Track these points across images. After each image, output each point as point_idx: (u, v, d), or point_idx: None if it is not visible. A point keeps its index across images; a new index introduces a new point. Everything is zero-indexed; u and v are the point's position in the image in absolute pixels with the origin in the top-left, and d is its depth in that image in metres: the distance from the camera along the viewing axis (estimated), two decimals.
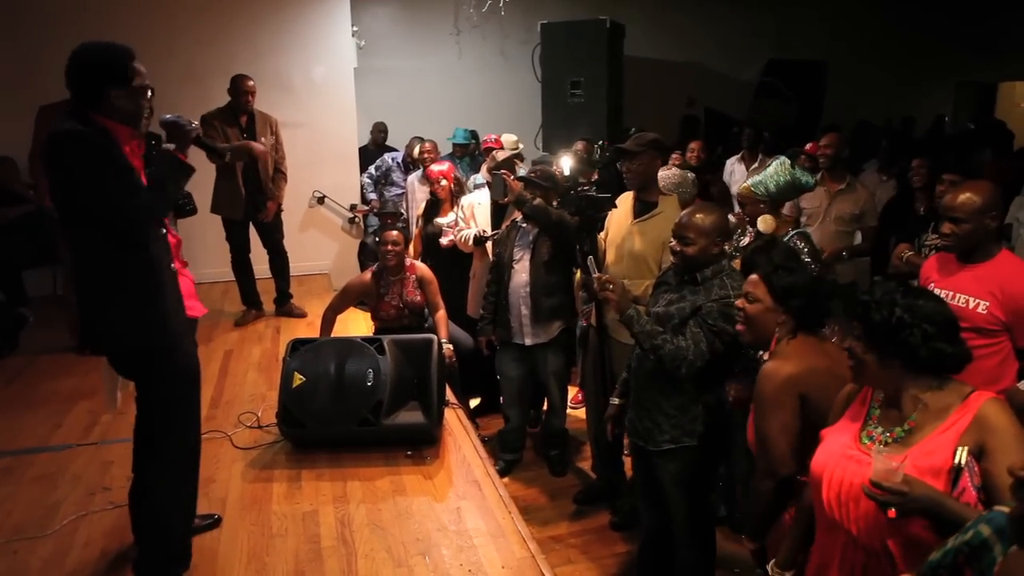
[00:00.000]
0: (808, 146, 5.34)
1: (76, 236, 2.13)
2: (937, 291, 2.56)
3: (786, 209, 4.30)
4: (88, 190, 2.03)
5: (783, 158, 3.44)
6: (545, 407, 4.09)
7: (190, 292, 2.48)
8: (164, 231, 2.28)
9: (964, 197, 2.46)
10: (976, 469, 1.49)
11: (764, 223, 3.26)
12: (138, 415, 2.32)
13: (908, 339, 1.55)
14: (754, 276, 2.12)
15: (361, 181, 6.53)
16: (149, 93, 2.17)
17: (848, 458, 1.63)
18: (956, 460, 1.50)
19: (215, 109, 4.79)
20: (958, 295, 2.49)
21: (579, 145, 5.05)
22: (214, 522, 2.64)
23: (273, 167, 4.91)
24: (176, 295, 2.28)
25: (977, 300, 2.46)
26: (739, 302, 2.14)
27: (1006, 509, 1.17)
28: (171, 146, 2.23)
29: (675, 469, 2.53)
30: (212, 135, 4.66)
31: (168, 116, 2.27)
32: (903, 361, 1.58)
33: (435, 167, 4.81)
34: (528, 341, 3.75)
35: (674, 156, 5.50)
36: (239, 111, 4.76)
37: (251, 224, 4.97)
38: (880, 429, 1.64)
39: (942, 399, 1.58)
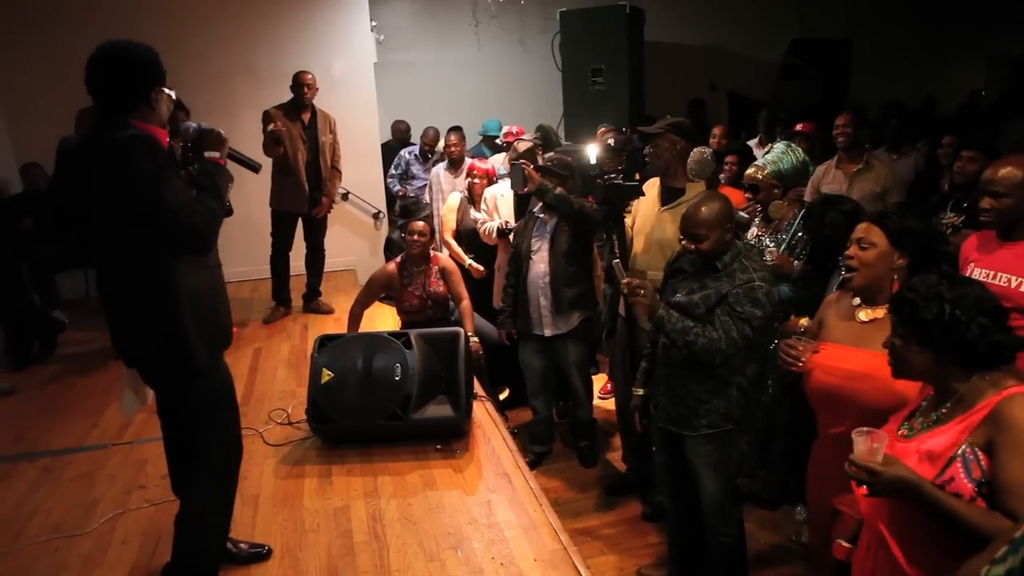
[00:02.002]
0: (799, 126, 5.25)
1: (126, 244, 1.99)
2: (977, 271, 2.49)
3: (807, 195, 4.24)
4: (161, 199, 1.90)
5: (787, 141, 3.39)
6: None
7: None
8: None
9: (1005, 171, 2.39)
10: (984, 464, 1.45)
11: (776, 209, 3.21)
12: (166, 432, 2.28)
13: (966, 335, 1.50)
14: (864, 224, 2.08)
15: (386, 184, 6.55)
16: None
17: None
18: (956, 450, 1.47)
19: (277, 105, 4.85)
20: (1000, 274, 2.41)
21: (610, 134, 4.99)
22: (264, 554, 2.49)
23: (331, 164, 5.00)
24: (226, 307, 2.21)
25: (1020, 279, 2.38)
26: (850, 250, 2.08)
27: None
28: (215, 154, 2.13)
29: (709, 452, 2.51)
30: (276, 127, 4.72)
31: (195, 125, 2.19)
32: (956, 356, 1.53)
33: (479, 163, 4.82)
34: (548, 332, 3.72)
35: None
36: (300, 106, 4.83)
37: (300, 219, 5.04)
38: (921, 419, 1.63)
39: (980, 390, 1.53)
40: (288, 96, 4.85)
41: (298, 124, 4.82)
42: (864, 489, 1.48)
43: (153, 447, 3.13)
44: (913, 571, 1.55)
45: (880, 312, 2.03)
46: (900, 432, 1.64)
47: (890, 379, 1.88)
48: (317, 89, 4.87)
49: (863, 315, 2.08)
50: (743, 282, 2.35)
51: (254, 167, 2.44)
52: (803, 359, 2.13)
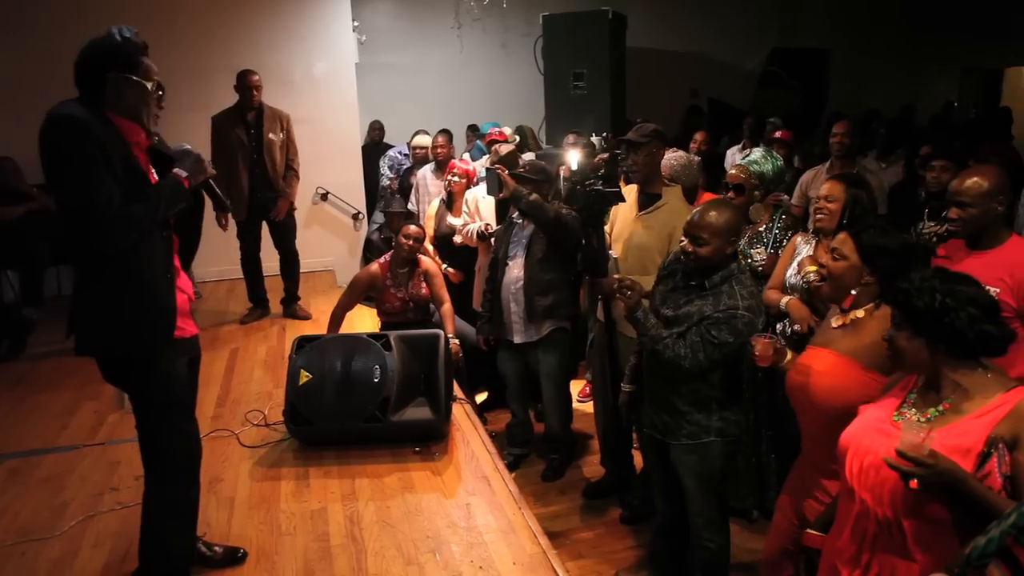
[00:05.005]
0: (778, 133, 5.31)
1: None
2: None
3: (795, 199, 4.29)
4: (70, 181, 1.91)
5: (766, 147, 3.45)
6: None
7: (181, 308, 2.20)
8: (169, 231, 2.16)
9: (971, 181, 2.43)
10: (1007, 458, 1.50)
11: (755, 212, 3.26)
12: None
13: (955, 323, 1.55)
14: (843, 234, 2.10)
15: (389, 185, 6.53)
16: (160, 92, 2.08)
17: (878, 431, 1.66)
18: (987, 445, 1.51)
19: (225, 109, 4.77)
20: None
21: (570, 138, 5.00)
22: (240, 557, 2.45)
23: (284, 165, 4.88)
24: (165, 305, 2.11)
25: (987, 287, 2.42)
26: (824, 259, 2.11)
27: None
28: (183, 173, 2.10)
29: (693, 463, 2.51)
30: (218, 137, 4.70)
31: (187, 146, 2.18)
32: (948, 345, 1.59)
33: (460, 162, 4.78)
34: (517, 339, 3.68)
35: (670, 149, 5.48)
36: (245, 108, 4.74)
37: (264, 223, 4.95)
38: (914, 410, 1.67)
39: (983, 386, 1.58)
40: (274, 95, 4.79)
41: (241, 127, 4.72)
42: (915, 483, 1.49)
43: (126, 448, 3.09)
44: (922, 556, 1.58)
45: (848, 318, 2.07)
46: (896, 420, 1.67)
47: (841, 380, 1.98)
48: (261, 87, 4.76)
49: (835, 321, 2.12)
50: (726, 307, 2.33)
51: (223, 207, 2.48)
52: (758, 353, 2.19)
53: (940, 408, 1.61)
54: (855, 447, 1.69)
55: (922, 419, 1.62)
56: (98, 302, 2.05)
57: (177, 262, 2.25)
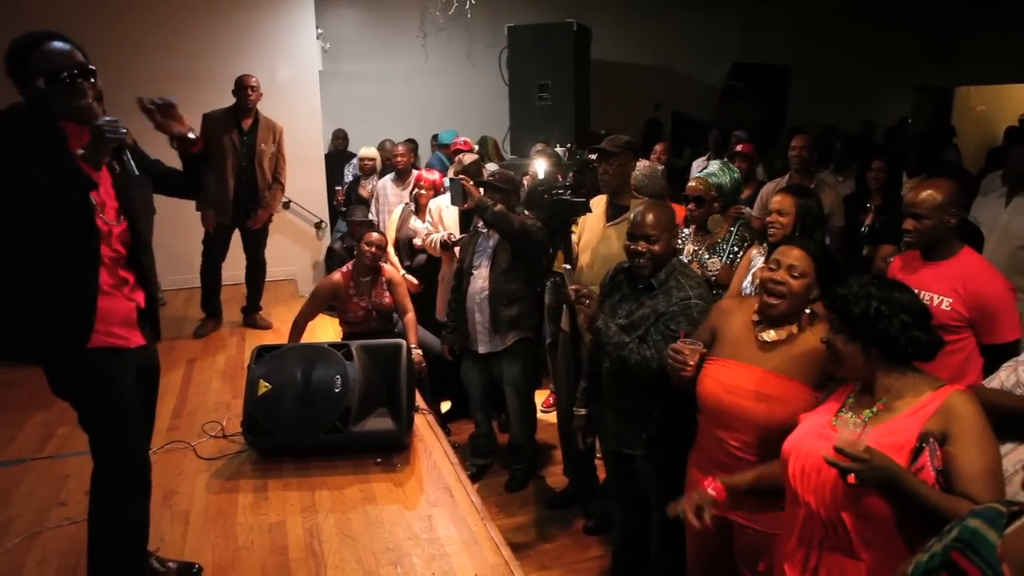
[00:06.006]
0: (739, 147, 5.43)
1: None
2: None
3: (755, 211, 4.37)
4: None
5: (724, 160, 3.52)
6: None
7: (125, 318, 2.13)
8: (96, 239, 2.03)
9: (925, 194, 2.51)
10: (938, 452, 1.56)
11: (715, 223, 3.31)
12: None
13: (888, 329, 1.63)
14: (797, 251, 2.06)
15: (336, 193, 6.48)
16: (82, 80, 1.94)
17: (818, 435, 1.72)
18: (919, 441, 1.57)
19: (219, 109, 4.69)
20: (923, 292, 2.52)
21: (538, 146, 5.03)
22: (195, 572, 2.39)
23: (272, 175, 4.84)
24: (77, 310, 2.02)
25: (941, 297, 2.49)
26: (779, 275, 2.04)
27: (1000, 507, 1.20)
28: (81, 152, 1.94)
29: (657, 470, 2.52)
30: (208, 136, 4.56)
31: (104, 118, 1.95)
32: (882, 350, 1.66)
33: (426, 174, 4.78)
34: (482, 349, 3.67)
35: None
36: (241, 111, 4.66)
37: (236, 230, 4.87)
38: (851, 413, 1.73)
39: (914, 386, 1.66)
40: (230, 99, 4.72)
41: (235, 131, 4.66)
42: (852, 478, 1.53)
43: (76, 462, 3.00)
44: (867, 555, 1.62)
45: (783, 333, 2.05)
46: (835, 424, 1.72)
47: (785, 400, 1.98)
48: (261, 94, 4.73)
49: (766, 336, 2.08)
50: (679, 299, 2.37)
51: (129, 171, 2.12)
52: (691, 362, 2.14)
53: (874, 409, 1.68)
54: (796, 452, 1.73)
55: (858, 420, 1.68)
56: (5, 304, 2.01)
57: (130, 274, 2.17)
